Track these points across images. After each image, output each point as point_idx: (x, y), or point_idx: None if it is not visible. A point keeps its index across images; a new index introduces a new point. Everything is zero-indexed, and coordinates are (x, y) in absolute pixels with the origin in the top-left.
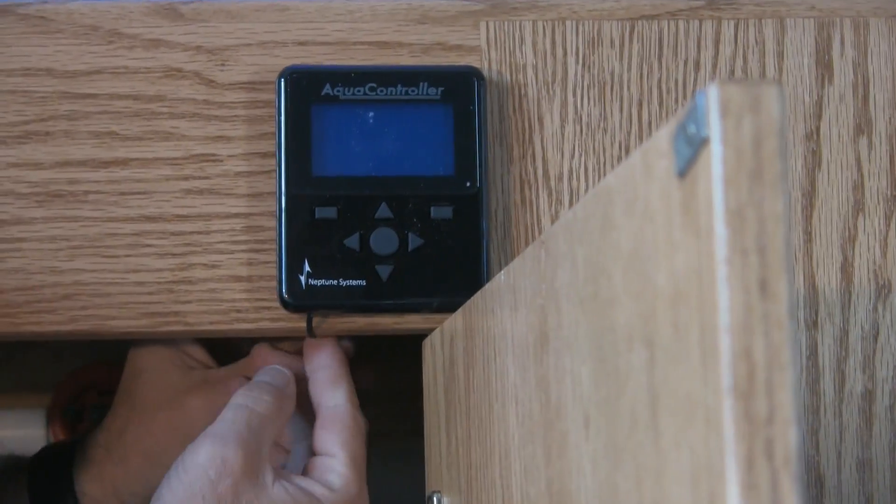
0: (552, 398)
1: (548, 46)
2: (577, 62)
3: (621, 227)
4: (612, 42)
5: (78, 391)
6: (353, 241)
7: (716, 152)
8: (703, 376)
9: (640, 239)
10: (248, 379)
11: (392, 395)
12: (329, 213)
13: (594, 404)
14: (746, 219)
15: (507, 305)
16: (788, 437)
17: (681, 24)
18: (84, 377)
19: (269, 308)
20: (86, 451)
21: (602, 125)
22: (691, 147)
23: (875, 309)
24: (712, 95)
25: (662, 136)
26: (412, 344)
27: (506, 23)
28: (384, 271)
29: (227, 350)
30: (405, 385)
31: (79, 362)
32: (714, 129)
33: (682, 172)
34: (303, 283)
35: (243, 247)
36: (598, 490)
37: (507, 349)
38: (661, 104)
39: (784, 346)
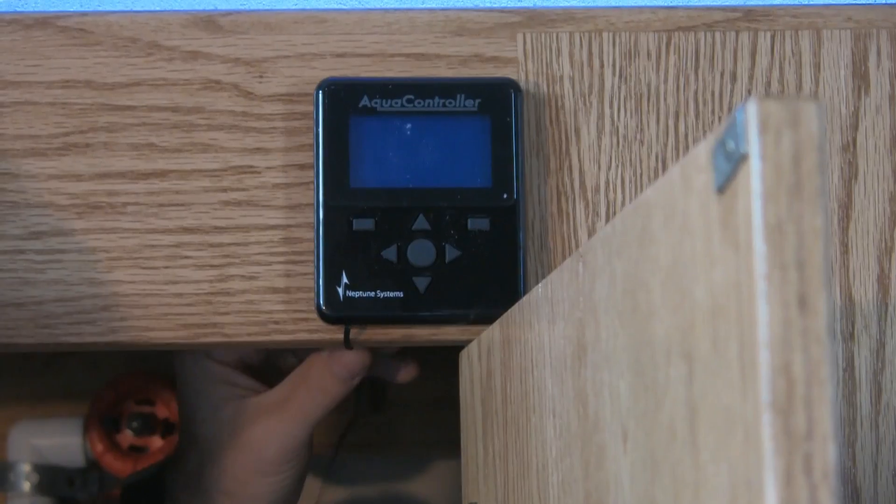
0: (590, 411)
1: (584, 58)
2: (613, 74)
3: (660, 241)
4: (648, 54)
5: (116, 400)
6: (390, 253)
7: (755, 168)
8: (742, 391)
9: (678, 253)
10: (309, 402)
11: (428, 406)
12: (367, 224)
13: (632, 417)
14: (786, 234)
15: (544, 318)
16: (827, 452)
17: (717, 35)
18: (122, 386)
19: (306, 319)
20: (171, 493)
21: (639, 137)
22: (730, 163)
23: None
24: (751, 111)
25: (701, 152)
26: (448, 354)
27: (543, 34)
28: (422, 283)
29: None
30: (441, 395)
31: (116, 371)
32: (753, 145)
33: (721, 188)
34: (340, 294)
35: (281, 258)
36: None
37: (544, 361)
38: (697, 116)
39: (823, 362)
